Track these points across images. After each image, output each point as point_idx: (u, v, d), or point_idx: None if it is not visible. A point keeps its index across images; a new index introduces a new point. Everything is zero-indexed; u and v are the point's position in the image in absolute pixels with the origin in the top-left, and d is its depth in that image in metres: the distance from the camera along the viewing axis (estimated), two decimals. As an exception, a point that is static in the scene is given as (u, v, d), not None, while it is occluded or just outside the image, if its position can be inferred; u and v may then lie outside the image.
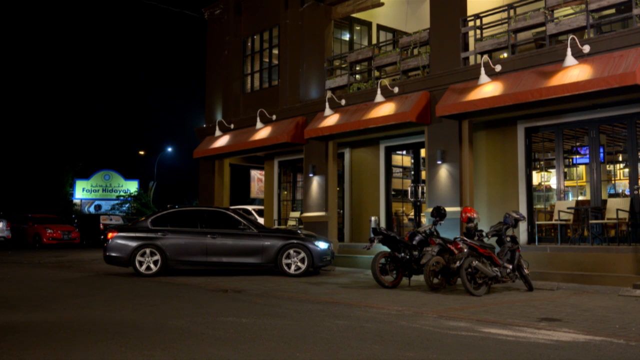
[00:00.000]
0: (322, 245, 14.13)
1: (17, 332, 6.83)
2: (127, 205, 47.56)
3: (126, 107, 68.48)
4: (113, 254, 13.93)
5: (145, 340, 6.38)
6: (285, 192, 21.28)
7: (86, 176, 50.72)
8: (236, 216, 14.35)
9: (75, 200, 50.01)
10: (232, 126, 20.62)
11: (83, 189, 50.41)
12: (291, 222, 19.61)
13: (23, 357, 5.62)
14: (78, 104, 63.50)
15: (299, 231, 14.85)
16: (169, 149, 53.10)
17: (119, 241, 13.88)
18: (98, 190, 50.71)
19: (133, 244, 13.78)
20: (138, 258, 13.68)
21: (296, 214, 19.50)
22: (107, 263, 14.27)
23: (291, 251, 13.81)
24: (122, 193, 49.76)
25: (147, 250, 13.71)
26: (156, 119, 74.70)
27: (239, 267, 13.90)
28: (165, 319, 7.73)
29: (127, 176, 51.84)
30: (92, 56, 72.59)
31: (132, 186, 50.58)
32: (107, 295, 10.60)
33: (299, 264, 13.80)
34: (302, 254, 13.81)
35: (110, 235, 14.09)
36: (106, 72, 73.19)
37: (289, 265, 13.78)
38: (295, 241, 13.90)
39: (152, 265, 13.71)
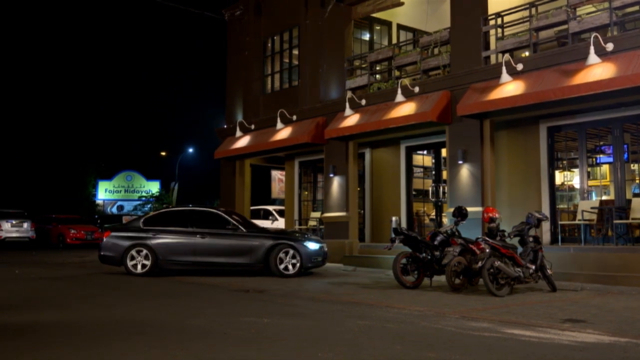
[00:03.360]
0: (312, 245, 13.87)
1: (41, 330, 6.93)
2: (149, 206, 47.95)
3: (148, 108, 69.04)
4: (107, 254, 14.11)
5: (167, 339, 6.43)
6: (306, 193, 21.31)
7: (109, 177, 51.30)
8: (225, 216, 14.28)
9: (98, 201, 50.62)
10: (252, 127, 20.69)
11: (105, 190, 50.98)
12: (312, 222, 19.64)
13: (52, 355, 5.70)
14: (101, 105, 64.17)
15: (298, 232, 14.77)
16: (190, 150, 53.40)
17: (112, 241, 14.02)
18: (120, 191, 51.25)
19: (125, 243, 13.87)
20: (129, 258, 13.79)
21: (317, 214, 19.52)
22: (101, 262, 14.47)
23: (281, 252, 13.61)
24: (144, 194, 50.20)
25: (138, 250, 13.81)
26: (177, 119, 75.28)
27: (226, 267, 13.76)
28: (186, 319, 7.78)
29: (149, 177, 52.30)
30: (114, 58, 73.37)
31: (154, 187, 51.01)
32: (127, 294, 10.69)
33: (293, 261, 13.61)
34: (292, 254, 13.64)
35: (105, 234, 14.32)
36: (128, 74, 73.90)
37: (281, 266, 13.55)
38: (284, 241, 13.69)
39: (145, 263, 13.78)
